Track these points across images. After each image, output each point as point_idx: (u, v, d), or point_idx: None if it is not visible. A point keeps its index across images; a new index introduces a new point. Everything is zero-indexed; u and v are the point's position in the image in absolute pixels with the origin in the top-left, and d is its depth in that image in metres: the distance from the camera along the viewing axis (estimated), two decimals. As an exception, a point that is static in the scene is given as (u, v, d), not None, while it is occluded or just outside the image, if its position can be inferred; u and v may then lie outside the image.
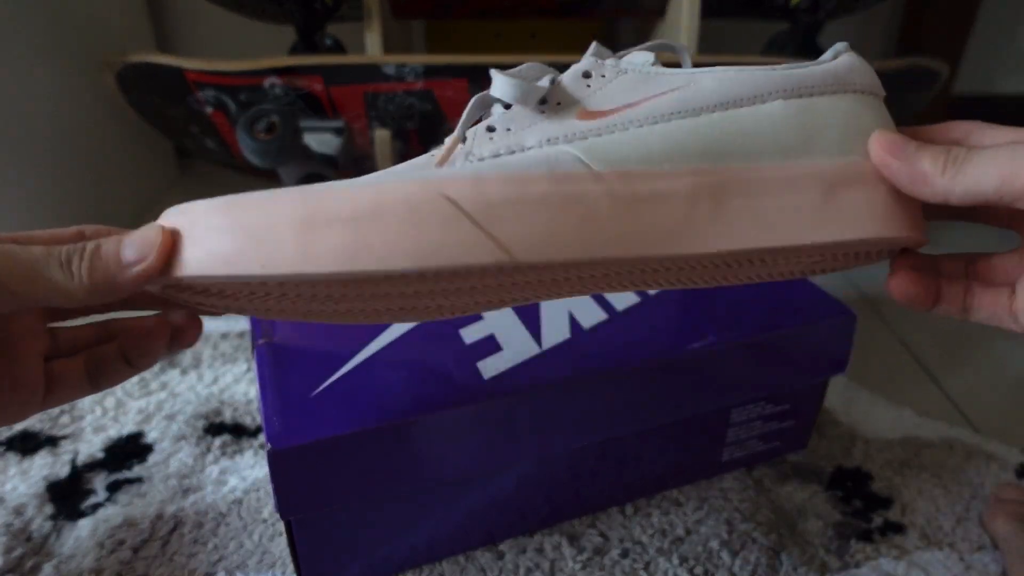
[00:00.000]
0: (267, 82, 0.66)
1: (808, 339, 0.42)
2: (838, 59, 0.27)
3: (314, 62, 0.65)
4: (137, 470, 0.45)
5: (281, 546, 0.40)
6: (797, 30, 0.73)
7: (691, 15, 0.69)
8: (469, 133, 0.26)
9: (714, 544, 0.41)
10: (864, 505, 0.44)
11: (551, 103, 0.26)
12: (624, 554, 0.40)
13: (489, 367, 0.36)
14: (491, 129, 0.26)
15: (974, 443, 0.50)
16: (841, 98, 0.27)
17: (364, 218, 0.23)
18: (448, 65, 0.65)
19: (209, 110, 0.69)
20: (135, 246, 0.23)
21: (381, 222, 0.23)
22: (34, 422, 0.49)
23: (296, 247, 0.22)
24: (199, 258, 0.23)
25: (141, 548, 0.40)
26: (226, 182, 0.99)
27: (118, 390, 0.52)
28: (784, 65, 0.27)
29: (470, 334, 0.39)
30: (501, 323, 0.39)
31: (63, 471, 0.45)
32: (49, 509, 0.42)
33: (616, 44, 0.56)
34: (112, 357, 0.29)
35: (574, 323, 0.40)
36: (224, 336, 0.59)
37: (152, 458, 0.46)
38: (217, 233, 0.23)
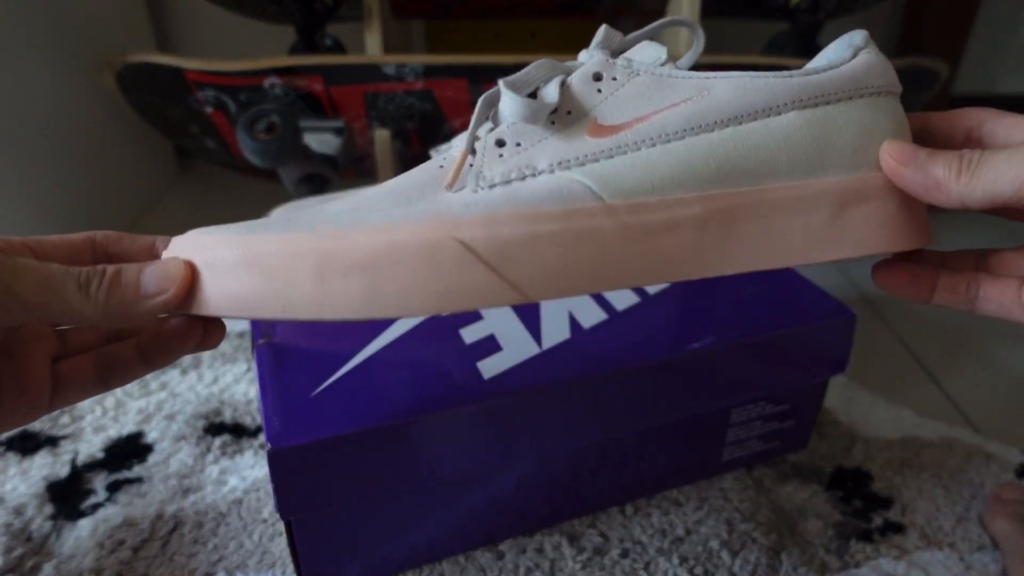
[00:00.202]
0: (267, 82, 0.66)
1: (808, 339, 0.42)
2: (856, 59, 0.27)
3: (314, 62, 0.65)
4: (137, 470, 0.45)
5: (281, 546, 0.40)
6: (797, 30, 0.73)
7: (691, 15, 0.69)
8: (478, 145, 0.26)
9: (714, 544, 0.41)
10: (864, 505, 0.44)
11: (561, 112, 0.26)
12: (624, 554, 0.40)
13: (489, 367, 0.36)
14: (500, 144, 0.26)
15: (974, 443, 0.50)
16: (856, 105, 0.26)
17: (379, 266, 0.23)
18: (448, 65, 0.65)
19: (209, 110, 0.69)
20: (155, 278, 0.23)
21: (396, 269, 0.23)
22: (34, 422, 0.49)
23: (314, 293, 0.23)
24: (220, 298, 0.24)
25: (141, 548, 0.40)
26: (226, 182, 0.99)
27: (118, 390, 0.52)
28: (801, 71, 0.26)
29: (470, 334, 0.39)
30: (501, 323, 0.39)
31: (63, 471, 0.45)
32: (49, 509, 0.42)
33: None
34: (127, 356, 0.28)
35: (574, 323, 0.40)
36: (224, 336, 0.59)
37: (152, 458, 0.46)
38: (236, 274, 0.23)
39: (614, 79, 0.26)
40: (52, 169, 0.70)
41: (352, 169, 0.76)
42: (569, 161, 0.25)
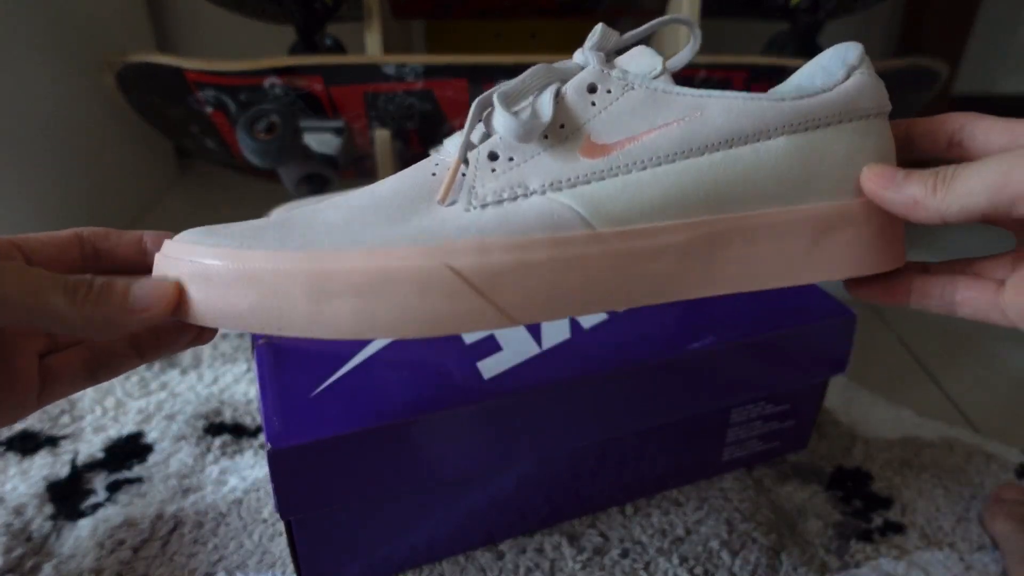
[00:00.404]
0: (267, 82, 0.66)
1: (808, 339, 0.42)
2: (848, 82, 0.27)
3: (314, 62, 0.65)
4: (137, 470, 0.45)
5: (281, 546, 0.40)
6: (797, 30, 0.73)
7: (691, 15, 0.69)
8: (471, 156, 0.26)
9: (714, 544, 0.41)
10: (864, 505, 0.44)
11: (554, 125, 0.26)
12: (624, 554, 0.40)
13: (489, 367, 0.36)
14: (493, 158, 0.26)
15: (974, 443, 0.50)
16: (845, 129, 0.27)
17: (372, 291, 0.24)
18: (448, 65, 0.65)
19: (209, 110, 0.69)
20: (144, 295, 0.24)
21: (389, 294, 0.24)
22: (34, 422, 0.49)
23: (308, 313, 0.24)
24: (217, 312, 0.24)
25: (141, 548, 0.40)
26: (226, 182, 0.99)
27: (118, 390, 0.52)
28: (792, 97, 0.26)
29: (470, 334, 0.39)
30: (501, 323, 0.39)
31: (63, 471, 0.45)
32: (49, 509, 0.42)
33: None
34: (119, 349, 0.28)
35: (574, 323, 0.40)
36: (224, 336, 0.59)
37: (152, 458, 0.46)
38: (234, 290, 0.24)
39: (608, 92, 0.26)
40: (52, 169, 0.70)
41: (352, 169, 0.76)
42: (561, 183, 0.25)
